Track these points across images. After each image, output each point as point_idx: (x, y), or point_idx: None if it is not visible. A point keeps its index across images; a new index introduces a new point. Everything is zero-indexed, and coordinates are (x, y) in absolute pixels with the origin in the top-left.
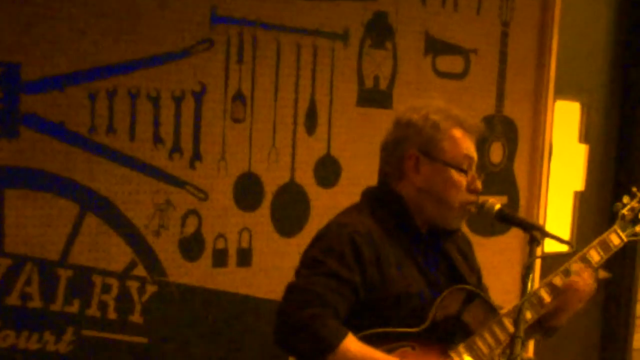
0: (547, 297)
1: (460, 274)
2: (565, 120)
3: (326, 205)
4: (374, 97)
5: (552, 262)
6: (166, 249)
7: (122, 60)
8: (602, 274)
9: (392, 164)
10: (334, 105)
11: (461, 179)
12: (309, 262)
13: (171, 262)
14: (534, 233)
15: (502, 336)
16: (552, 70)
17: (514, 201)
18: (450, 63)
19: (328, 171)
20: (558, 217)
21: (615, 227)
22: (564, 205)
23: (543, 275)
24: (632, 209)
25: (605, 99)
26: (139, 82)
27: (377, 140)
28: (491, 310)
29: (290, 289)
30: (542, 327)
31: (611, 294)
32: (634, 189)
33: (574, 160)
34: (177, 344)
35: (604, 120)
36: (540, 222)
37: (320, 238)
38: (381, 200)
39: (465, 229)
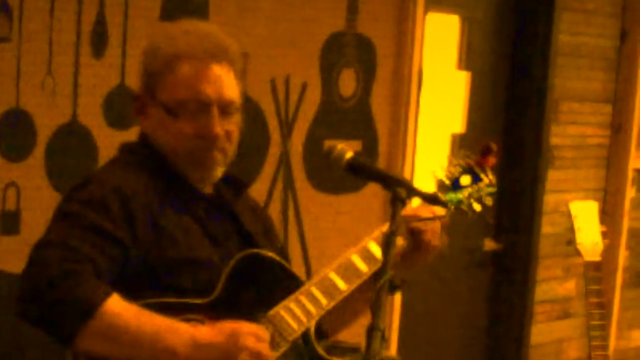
0: (364, 267)
1: (254, 241)
2: (439, 40)
3: None
4: (184, 7)
5: None
6: None
7: None
8: (489, 244)
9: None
10: (129, 19)
11: (180, 125)
12: (63, 215)
13: None
14: (398, 190)
15: (313, 309)
16: None
17: (371, 147)
18: None
19: (122, 107)
20: (430, 167)
21: (436, 192)
22: (439, 152)
23: None
24: (450, 174)
25: (493, 10)
26: None
27: None
28: (294, 280)
29: (38, 246)
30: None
31: (501, 272)
32: (449, 156)
33: (451, 92)
34: None
35: (491, 39)
36: (407, 175)
37: (77, 188)
38: (138, 153)
39: (305, 184)
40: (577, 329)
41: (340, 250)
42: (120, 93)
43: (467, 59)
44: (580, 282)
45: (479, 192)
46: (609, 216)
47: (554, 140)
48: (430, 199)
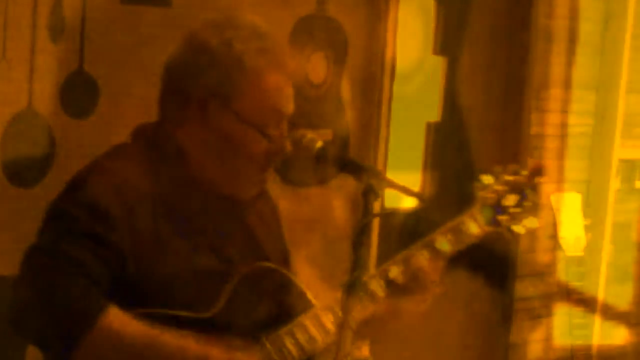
0: (380, 291)
1: (262, 249)
2: (414, 23)
3: (78, 143)
4: None
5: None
6: None
7: None
8: None
9: (173, 100)
10: (88, 1)
11: (260, 144)
12: (58, 217)
13: None
14: (370, 182)
15: (318, 335)
16: None
17: (342, 136)
18: None
19: (81, 94)
20: (404, 158)
21: (474, 211)
22: (413, 142)
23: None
24: (495, 192)
25: None
26: None
27: (151, 51)
28: (302, 298)
29: (31, 252)
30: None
31: (479, 267)
32: (497, 168)
33: (426, 78)
34: None
35: (468, 22)
36: (379, 165)
37: (74, 187)
38: (156, 147)
39: (272, 175)
40: (559, 327)
41: (307, 244)
42: (78, 79)
43: (444, 44)
44: (563, 278)
45: (523, 213)
46: (592, 209)
47: (535, 129)
48: (403, 190)
